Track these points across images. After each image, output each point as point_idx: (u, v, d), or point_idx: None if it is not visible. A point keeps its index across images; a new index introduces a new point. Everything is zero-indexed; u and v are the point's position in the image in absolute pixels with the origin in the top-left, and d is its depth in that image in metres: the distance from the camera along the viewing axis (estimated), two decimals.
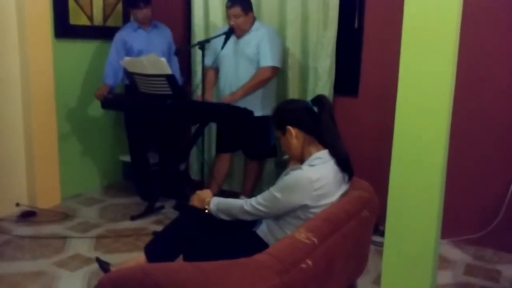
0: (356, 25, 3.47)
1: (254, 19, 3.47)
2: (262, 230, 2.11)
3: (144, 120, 3.80)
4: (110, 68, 3.70)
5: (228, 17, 3.42)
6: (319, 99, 2.06)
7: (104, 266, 2.38)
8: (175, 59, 3.80)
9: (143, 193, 3.98)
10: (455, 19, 2.15)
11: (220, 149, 3.73)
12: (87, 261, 2.92)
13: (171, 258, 2.13)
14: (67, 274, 2.77)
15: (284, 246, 1.60)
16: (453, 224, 3.15)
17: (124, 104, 3.73)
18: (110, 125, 4.36)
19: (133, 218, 3.60)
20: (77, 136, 4.10)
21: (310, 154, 2.02)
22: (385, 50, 3.32)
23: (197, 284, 1.44)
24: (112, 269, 2.30)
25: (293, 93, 3.68)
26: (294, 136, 2.04)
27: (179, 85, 3.36)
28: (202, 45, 3.27)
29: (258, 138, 3.55)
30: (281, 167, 3.10)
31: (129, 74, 3.40)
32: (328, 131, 2.01)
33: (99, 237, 3.28)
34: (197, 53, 3.87)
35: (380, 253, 2.65)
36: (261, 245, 1.96)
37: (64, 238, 3.25)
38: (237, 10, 3.34)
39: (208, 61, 3.56)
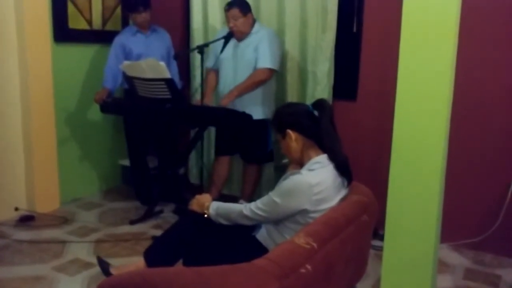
0: (354, 29, 3.47)
1: (254, 21, 3.47)
2: (261, 235, 2.11)
3: (143, 124, 3.81)
4: (109, 72, 3.70)
5: (227, 20, 3.42)
6: (320, 103, 2.07)
7: (103, 265, 2.37)
8: (174, 63, 3.80)
9: (143, 197, 3.97)
10: (453, 23, 2.15)
11: (219, 152, 3.72)
12: (86, 265, 2.91)
13: (171, 262, 2.13)
14: (66, 279, 2.77)
15: (284, 251, 1.60)
16: (452, 228, 3.14)
17: (123, 108, 3.74)
18: (109, 129, 4.36)
19: (132, 222, 3.59)
20: (76, 140, 4.10)
21: (310, 158, 2.02)
22: (383, 54, 3.33)
23: None
24: (111, 269, 2.30)
25: (292, 97, 3.68)
26: (293, 140, 2.04)
27: (178, 89, 3.36)
28: (201, 49, 3.28)
29: (256, 142, 3.55)
30: (281, 171, 3.10)
31: (127, 79, 3.40)
32: (328, 136, 2.01)
33: (98, 242, 3.27)
34: (196, 57, 3.88)
35: (379, 258, 2.64)
36: (261, 250, 1.97)
37: (63, 242, 3.24)
38: (235, 11, 3.34)
39: (209, 63, 3.57)
